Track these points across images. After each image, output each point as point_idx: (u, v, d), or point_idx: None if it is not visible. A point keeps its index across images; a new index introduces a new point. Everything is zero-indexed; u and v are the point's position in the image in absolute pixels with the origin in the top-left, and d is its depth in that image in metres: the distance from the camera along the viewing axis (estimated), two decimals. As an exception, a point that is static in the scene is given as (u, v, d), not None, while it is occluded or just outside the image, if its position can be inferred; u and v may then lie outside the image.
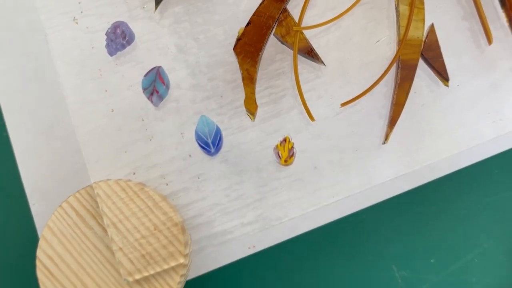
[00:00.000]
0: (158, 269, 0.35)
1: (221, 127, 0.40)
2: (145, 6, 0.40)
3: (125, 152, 0.40)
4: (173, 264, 0.35)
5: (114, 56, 0.40)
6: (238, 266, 0.40)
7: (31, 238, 0.39)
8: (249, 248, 0.39)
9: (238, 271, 0.40)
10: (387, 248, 0.40)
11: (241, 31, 0.40)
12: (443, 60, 0.40)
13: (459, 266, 0.40)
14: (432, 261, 0.40)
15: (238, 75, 0.40)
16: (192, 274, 0.39)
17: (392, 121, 0.39)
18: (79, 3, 0.40)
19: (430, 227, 0.40)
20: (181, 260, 0.35)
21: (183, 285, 0.37)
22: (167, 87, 0.40)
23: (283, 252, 0.40)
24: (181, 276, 0.35)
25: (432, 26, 0.41)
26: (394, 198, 0.40)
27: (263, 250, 0.39)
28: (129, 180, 0.36)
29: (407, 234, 0.40)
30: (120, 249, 0.35)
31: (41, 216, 0.39)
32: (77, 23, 0.40)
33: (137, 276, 0.34)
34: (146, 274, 0.35)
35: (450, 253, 0.40)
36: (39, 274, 0.35)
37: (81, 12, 0.40)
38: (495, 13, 0.41)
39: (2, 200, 0.40)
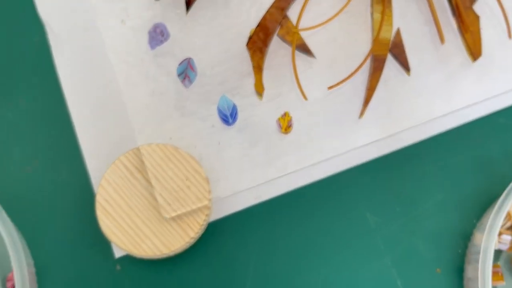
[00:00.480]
0: (188, 209, 0.39)
1: (237, 104, 0.43)
2: (178, 11, 0.44)
3: (163, 123, 0.43)
4: (199, 205, 0.39)
5: (154, 50, 0.44)
6: (247, 212, 0.43)
7: (88, 190, 0.42)
8: (255, 198, 0.43)
9: (249, 216, 0.43)
10: (363, 199, 0.43)
11: (252, 32, 0.43)
12: (406, 55, 0.43)
13: (418, 213, 0.43)
14: (397, 209, 0.43)
15: (250, 66, 0.43)
16: (212, 218, 0.42)
17: (366, 101, 0.43)
18: (126, 8, 0.44)
19: (396, 184, 0.43)
20: (206, 202, 0.39)
21: (207, 223, 0.41)
22: (196, 74, 0.43)
23: (282, 202, 0.43)
24: (206, 215, 0.39)
25: (398, 29, 0.44)
26: (369, 162, 0.43)
27: (267, 200, 0.43)
28: (167, 144, 0.40)
29: (378, 189, 0.43)
30: (160, 194, 0.39)
31: (96, 173, 0.42)
32: (124, 24, 0.44)
33: (173, 214, 0.39)
34: (179, 212, 0.39)
35: (411, 203, 0.43)
36: (98, 212, 0.39)
37: (128, 16, 0.44)
38: (448, 20, 0.45)
39: (65, 162, 0.43)
